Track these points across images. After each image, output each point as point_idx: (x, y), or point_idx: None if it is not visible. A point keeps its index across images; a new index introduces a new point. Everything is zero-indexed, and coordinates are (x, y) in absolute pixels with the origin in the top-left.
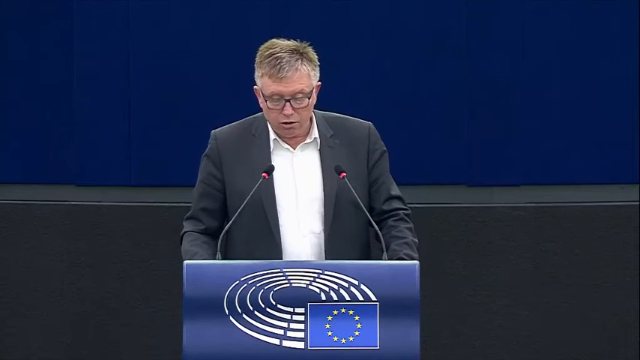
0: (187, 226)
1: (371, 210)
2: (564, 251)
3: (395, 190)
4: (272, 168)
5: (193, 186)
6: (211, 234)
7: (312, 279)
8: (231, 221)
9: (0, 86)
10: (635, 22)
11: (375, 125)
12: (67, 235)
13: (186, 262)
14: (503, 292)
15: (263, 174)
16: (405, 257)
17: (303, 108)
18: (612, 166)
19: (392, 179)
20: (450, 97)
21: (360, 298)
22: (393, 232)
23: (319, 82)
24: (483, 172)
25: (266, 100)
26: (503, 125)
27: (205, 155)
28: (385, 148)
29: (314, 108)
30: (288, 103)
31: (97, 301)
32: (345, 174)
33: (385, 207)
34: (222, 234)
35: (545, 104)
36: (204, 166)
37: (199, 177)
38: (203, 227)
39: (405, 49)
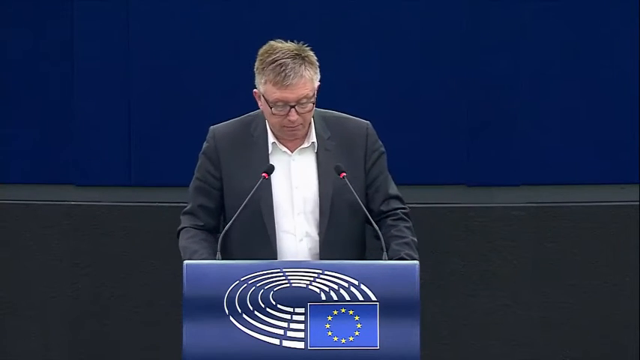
0: (185, 221)
1: (369, 211)
2: (564, 251)
3: (393, 190)
4: (272, 168)
5: None
6: (209, 230)
7: (312, 279)
8: (230, 221)
9: (0, 86)
10: (635, 23)
11: (374, 125)
12: (67, 235)
13: (186, 262)
14: (503, 292)
15: (263, 174)
16: (406, 257)
17: (307, 112)
18: (612, 166)
19: (390, 179)
20: (450, 97)
21: (360, 298)
22: (392, 231)
23: (319, 83)
24: (483, 172)
25: (270, 107)
26: (503, 125)
27: (203, 153)
28: (383, 149)
29: None
30: (293, 109)
31: (97, 301)
32: (345, 174)
33: (383, 207)
34: (221, 234)
35: (545, 104)
36: (202, 164)
37: (196, 174)
38: (201, 224)
39: (404, 49)
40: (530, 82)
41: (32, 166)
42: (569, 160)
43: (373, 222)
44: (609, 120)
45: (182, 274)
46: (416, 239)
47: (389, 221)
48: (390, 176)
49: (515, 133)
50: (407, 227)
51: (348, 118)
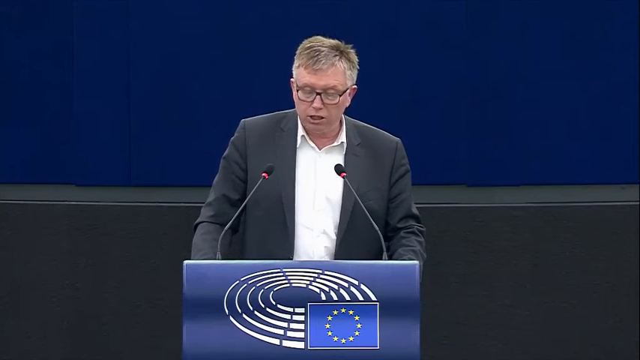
0: (204, 214)
1: (386, 224)
2: (564, 251)
3: (413, 209)
4: (272, 168)
5: (193, 186)
6: (226, 224)
7: (312, 279)
8: (232, 219)
9: (0, 86)
10: (635, 23)
11: (375, 125)
12: (67, 235)
13: (186, 262)
14: (503, 292)
15: (263, 174)
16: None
17: (333, 105)
18: (612, 166)
19: (412, 198)
20: (450, 97)
21: (360, 298)
22: (403, 241)
23: (355, 86)
24: (483, 172)
25: (298, 91)
26: (504, 125)
27: (232, 142)
28: (409, 167)
29: (346, 114)
30: (318, 97)
31: (97, 301)
32: (345, 174)
33: (400, 224)
34: (222, 233)
35: (546, 104)
36: (229, 153)
37: (222, 163)
38: (219, 217)
39: (405, 49)
40: (531, 82)
41: (32, 166)
42: (569, 160)
43: (379, 231)
44: (609, 120)
45: (182, 274)
46: (425, 255)
47: (402, 233)
48: (412, 195)
49: (515, 133)
50: (418, 241)
51: (380, 131)
